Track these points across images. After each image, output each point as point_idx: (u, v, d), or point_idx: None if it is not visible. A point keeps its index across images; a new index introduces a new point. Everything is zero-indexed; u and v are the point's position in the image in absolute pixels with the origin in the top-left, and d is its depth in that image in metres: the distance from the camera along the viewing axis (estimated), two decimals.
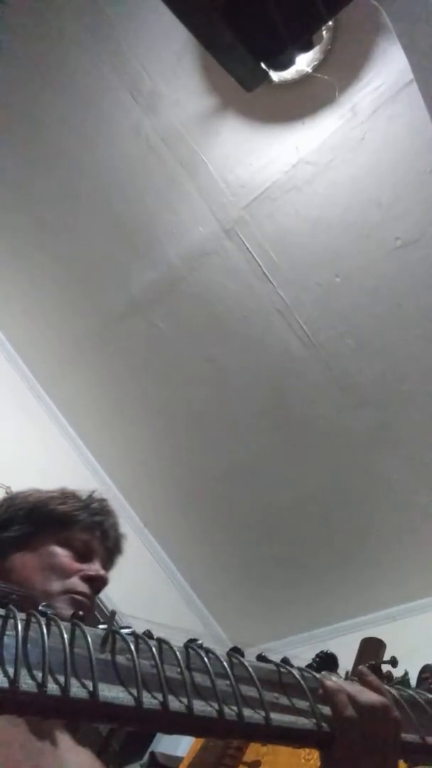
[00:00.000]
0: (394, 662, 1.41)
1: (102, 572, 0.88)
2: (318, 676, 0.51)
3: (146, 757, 1.75)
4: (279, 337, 2.23)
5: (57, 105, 2.08)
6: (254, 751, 1.26)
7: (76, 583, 0.83)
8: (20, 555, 0.84)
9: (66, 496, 0.94)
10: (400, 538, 2.35)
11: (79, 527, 0.89)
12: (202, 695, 0.43)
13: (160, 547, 2.73)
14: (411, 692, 0.57)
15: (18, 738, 0.64)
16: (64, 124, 2.11)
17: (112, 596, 2.12)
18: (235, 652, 0.49)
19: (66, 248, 2.36)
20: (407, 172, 1.87)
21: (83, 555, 0.88)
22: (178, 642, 0.47)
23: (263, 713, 0.44)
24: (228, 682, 0.44)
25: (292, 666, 0.52)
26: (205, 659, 0.45)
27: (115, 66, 1.95)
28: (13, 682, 0.34)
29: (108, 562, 0.93)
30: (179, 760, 1.40)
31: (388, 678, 1.42)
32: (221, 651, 0.49)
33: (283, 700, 0.47)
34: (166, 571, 2.72)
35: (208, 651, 0.47)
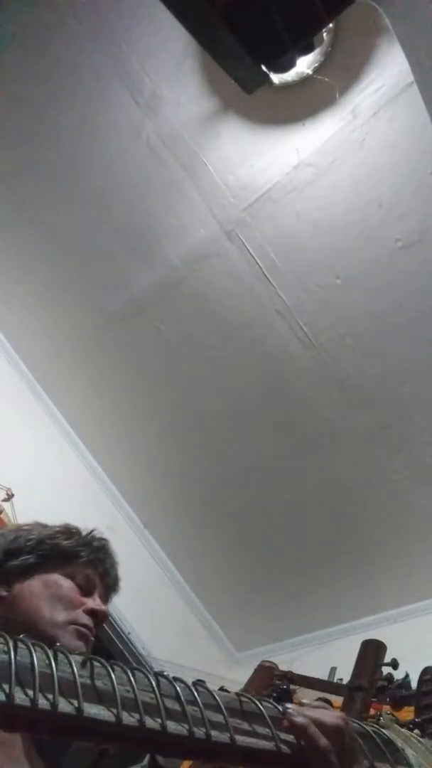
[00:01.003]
0: (395, 664, 1.41)
1: (104, 607, 0.92)
2: (287, 708, 0.56)
3: (146, 760, 1.75)
4: (279, 339, 2.23)
5: (58, 107, 2.08)
6: None
7: (80, 615, 0.87)
8: (27, 584, 0.88)
9: (71, 531, 0.98)
10: (401, 540, 2.34)
11: (82, 562, 0.94)
12: (174, 718, 0.48)
13: (159, 547, 2.73)
14: (357, 723, 0.63)
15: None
16: (64, 126, 2.11)
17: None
18: (201, 682, 0.54)
19: (66, 249, 2.36)
20: (408, 173, 1.87)
21: (85, 589, 0.92)
22: (190, 679, 0.54)
23: (228, 734, 0.50)
24: (196, 707, 0.50)
25: (251, 697, 0.57)
26: (176, 687, 0.51)
27: (115, 68, 1.96)
28: (9, 696, 0.38)
29: (105, 599, 0.98)
30: (179, 763, 1.39)
31: (388, 680, 1.42)
32: (190, 678, 0.54)
33: (245, 726, 0.53)
34: (165, 572, 2.72)
35: (176, 679, 0.52)
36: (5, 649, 0.42)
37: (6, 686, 0.39)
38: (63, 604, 0.87)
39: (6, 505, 2.11)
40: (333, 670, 1.71)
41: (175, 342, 2.38)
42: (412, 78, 1.42)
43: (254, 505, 2.54)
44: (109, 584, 0.99)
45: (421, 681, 1.24)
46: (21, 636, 0.45)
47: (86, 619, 0.87)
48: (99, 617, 0.90)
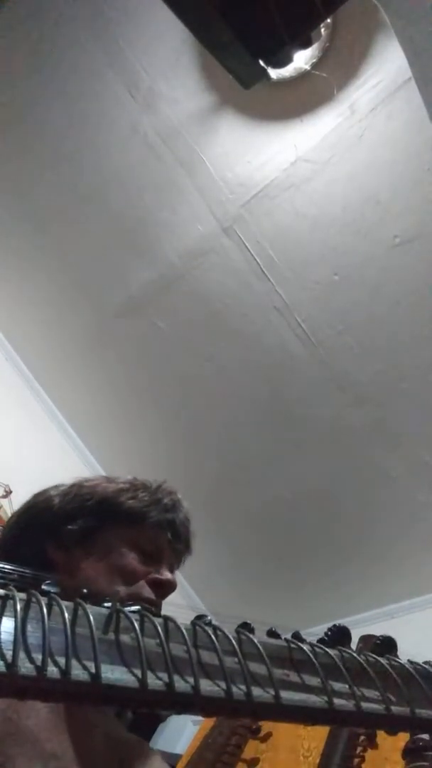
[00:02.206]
0: None
1: (171, 577, 0.83)
2: (334, 657, 0.47)
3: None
4: (277, 336, 2.23)
5: (55, 103, 2.07)
6: (253, 748, 1.26)
7: (142, 588, 0.78)
8: (84, 553, 0.78)
9: (137, 488, 0.87)
10: (399, 536, 2.35)
11: (148, 525, 0.83)
12: (209, 674, 0.41)
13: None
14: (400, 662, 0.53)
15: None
16: (62, 122, 2.10)
17: None
18: (244, 628, 0.47)
19: (64, 247, 2.35)
20: (406, 169, 1.87)
21: (151, 557, 0.82)
22: (187, 620, 0.46)
23: (272, 692, 0.43)
24: (236, 659, 0.43)
25: (303, 641, 0.50)
26: (212, 637, 0.44)
27: (112, 64, 1.95)
28: (11, 665, 0.33)
29: (176, 564, 0.88)
30: (178, 757, 1.40)
31: None
32: (230, 628, 0.47)
33: (294, 677, 0.45)
34: None
35: (216, 628, 0.45)
36: (13, 606, 0.36)
37: (9, 652, 0.34)
38: (123, 577, 0.77)
39: (4, 502, 2.11)
40: None
41: (173, 339, 2.38)
42: (410, 74, 1.42)
43: (252, 501, 2.54)
44: (179, 548, 0.88)
45: None
46: (43, 585, 0.39)
47: (148, 592, 0.78)
48: (165, 588, 0.80)
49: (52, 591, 0.39)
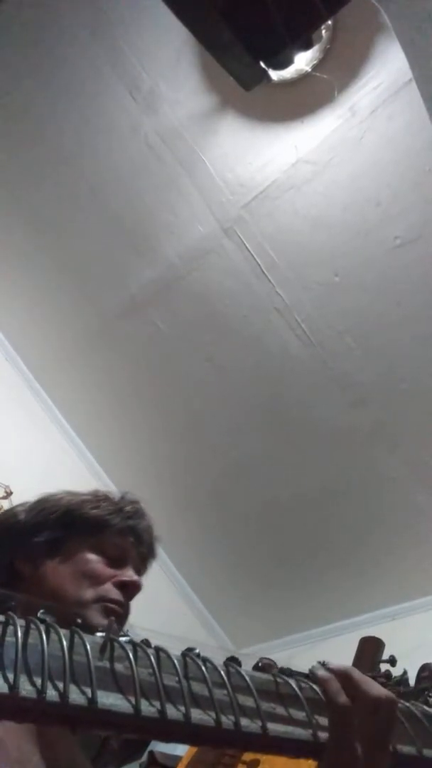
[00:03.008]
0: (392, 661, 1.41)
1: (135, 578, 0.86)
2: (312, 667, 0.50)
3: (145, 756, 1.75)
4: (278, 336, 2.23)
5: (55, 104, 2.07)
6: None
7: (108, 590, 0.81)
8: (52, 562, 0.82)
9: (99, 499, 0.91)
10: (399, 538, 2.35)
11: (112, 532, 0.87)
12: (199, 704, 0.43)
13: (159, 546, 2.73)
14: (404, 704, 0.56)
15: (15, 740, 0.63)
16: (62, 123, 2.10)
17: None
18: (233, 661, 0.49)
19: (65, 247, 2.35)
20: (406, 171, 1.87)
21: (116, 560, 0.86)
22: (176, 649, 0.48)
23: (260, 723, 0.44)
24: (225, 691, 0.45)
25: (290, 676, 0.51)
26: (203, 668, 0.46)
27: (113, 65, 1.95)
28: (13, 687, 0.35)
29: (142, 567, 0.91)
30: (178, 759, 1.40)
31: (386, 677, 1.42)
32: (219, 659, 0.49)
33: (280, 710, 0.47)
34: (164, 569, 2.72)
35: (205, 660, 0.47)
36: (13, 630, 0.38)
37: (11, 675, 0.35)
38: (89, 580, 0.80)
39: (4, 503, 2.11)
40: None
41: (173, 339, 2.38)
42: (411, 75, 1.42)
43: (252, 502, 2.54)
44: (143, 551, 0.92)
45: (418, 678, 1.24)
46: (39, 613, 0.41)
47: (115, 593, 0.81)
48: (130, 589, 0.84)
49: (47, 619, 0.41)
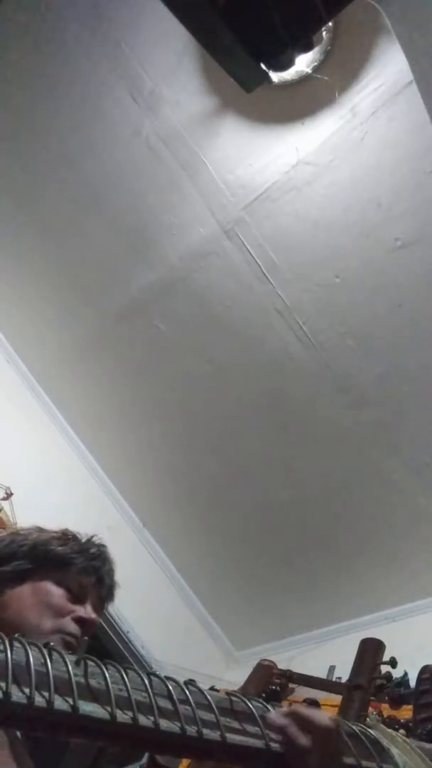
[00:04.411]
0: (393, 663, 1.41)
1: (93, 616, 0.91)
2: (269, 709, 0.57)
3: (145, 758, 1.75)
4: (278, 338, 2.23)
5: (57, 106, 2.08)
6: None
7: (67, 623, 0.86)
8: (17, 590, 0.87)
9: (67, 537, 0.96)
10: (400, 539, 2.35)
11: (75, 569, 0.92)
12: (166, 716, 0.48)
13: (159, 547, 2.73)
14: (345, 723, 0.65)
15: None
16: (64, 125, 2.11)
17: None
18: (192, 682, 0.55)
19: (66, 249, 2.36)
20: (407, 172, 1.87)
21: (77, 597, 0.91)
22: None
23: (219, 732, 0.51)
24: (188, 706, 0.51)
25: (241, 696, 0.58)
26: (168, 685, 0.51)
27: (115, 67, 1.96)
28: (6, 694, 0.39)
29: (99, 607, 0.96)
30: (178, 762, 1.40)
31: (387, 679, 1.43)
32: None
33: (235, 725, 0.54)
34: (165, 571, 2.72)
35: (168, 678, 0.53)
36: (1, 647, 0.42)
37: (3, 684, 0.39)
38: (51, 612, 0.86)
39: (5, 504, 2.11)
40: (332, 668, 1.72)
41: (174, 341, 2.38)
42: (411, 77, 1.42)
43: (253, 504, 2.54)
44: (102, 594, 0.97)
45: (419, 680, 1.24)
46: (16, 635, 0.46)
47: (73, 628, 0.87)
48: (87, 626, 0.89)
49: (23, 639, 0.46)
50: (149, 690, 0.49)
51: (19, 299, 2.55)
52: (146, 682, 0.50)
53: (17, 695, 0.40)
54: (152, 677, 0.51)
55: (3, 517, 2.06)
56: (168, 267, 2.25)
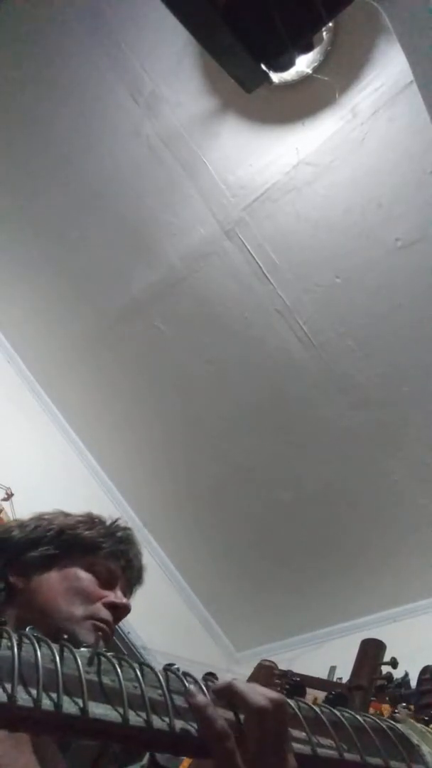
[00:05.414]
0: (394, 663, 1.41)
1: (125, 600, 0.89)
2: (188, 688, 0.49)
3: (146, 759, 1.75)
4: (279, 338, 2.23)
5: (57, 107, 2.08)
6: None
7: (99, 609, 0.84)
8: (45, 576, 0.85)
9: (93, 521, 0.94)
10: (400, 540, 2.35)
11: (104, 554, 0.90)
12: (182, 716, 0.46)
13: (159, 547, 2.73)
14: (371, 717, 0.57)
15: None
16: (64, 126, 2.11)
17: None
18: (211, 676, 0.51)
19: (66, 249, 2.36)
20: (407, 173, 1.87)
21: (106, 582, 0.88)
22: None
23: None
24: None
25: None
26: (184, 682, 0.48)
27: (115, 67, 1.96)
28: (11, 697, 0.37)
29: (128, 592, 0.94)
30: (179, 761, 1.39)
31: (388, 679, 1.42)
32: (200, 671, 0.52)
33: None
34: (165, 571, 2.72)
35: (186, 675, 0.50)
36: (9, 644, 0.40)
37: (8, 685, 0.37)
38: (81, 598, 0.83)
39: (5, 505, 2.11)
40: (332, 669, 1.71)
41: (174, 341, 2.38)
42: (412, 78, 1.42)
43: (253, 504, 2.54)
44: (131, 577, 0.95)
45: (420, 680, 1.24)
46: (27, 629, 0.43)
47: (105, 614, 0.84)
48: (120, 611, 0.87)
49: (34, 635, 0.43)
50: (164, 688, 0.46)
51: (19, 299, 2.55)
52: (161, 679, 0.47)
53: (23, 698, 0.37)
54: (168, 673, 0.48)
55: (3, 517, 2.06)
56: (168, 267, 2.25)
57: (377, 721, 0.56)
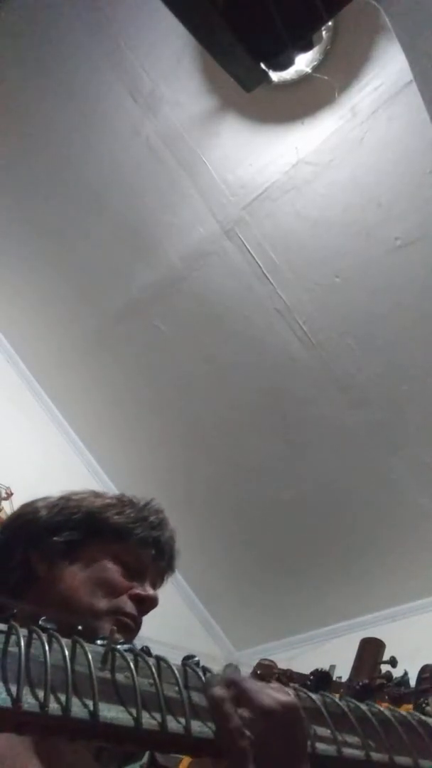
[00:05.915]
0: (393, 662, 1.41)
1: (153, 593, 0.82)
2: (207, 678, 0.46)
3: (146, 757, 1.75)
4: (279, 337, 2.23)
5: (57, 106, 2.08)
6: None
7: (124, 602, 0.77)
8: (68, 565, 0.78)
9: (124, 504, 0.86)
10: (399, 539, 2.35)
11: (134, 541, 0.83)
12: (199, 715, 0.43)
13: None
14: (398, 712, 0.54)
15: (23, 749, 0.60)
16: (64, 125, 2.11)
17: None
18: (230, 667, 0.49)
19: (66, 249, 2.36)
20: (407, 172, 1.87)
21: (135, 572, 0.82)
22: (175, 657, 0.47)
23: None
24: None
25: (295, 689, 0.51)
26: (203, 678, 0.45)
27: (114, 67, 1.96)
28: (16, 700, 0.35)
29: (158, 581, 0.88)
30: (179, 759, 1.40)
31: (387, 678, 1.43)
32: (215, 667, 0.48)
33: None
34: None
35: (205, 670, 0.46)
36: (17, 641, 0.37)
37: (14, 687, 0.35)
38: (105, 590, 0.76)
39: (5, 504, 2.11)
40: (332, 668, 1.71)
41: (174, 341, 2.38)
42: (411, 77, 1.42)
43: (253, 503, 2.54)
44: (162, 566, 0.88)
45: (419, 679, 1.24)
46: (40, 621, 0.41)
47: (130, 607, 0.77)
48: (146, 604, 0.80)
49: (48, 627, 0.40)
50: (181, 685, 0.43)
51: (19, 299, 2.55)
52: (177, 675, 0.43)
53: (29, 702, 0.35)
54: (187, 668, 0.45)
55: (3, 517, 2.06)
56: (168, 267, 2.25)
57: (406, 716, 0.54)
